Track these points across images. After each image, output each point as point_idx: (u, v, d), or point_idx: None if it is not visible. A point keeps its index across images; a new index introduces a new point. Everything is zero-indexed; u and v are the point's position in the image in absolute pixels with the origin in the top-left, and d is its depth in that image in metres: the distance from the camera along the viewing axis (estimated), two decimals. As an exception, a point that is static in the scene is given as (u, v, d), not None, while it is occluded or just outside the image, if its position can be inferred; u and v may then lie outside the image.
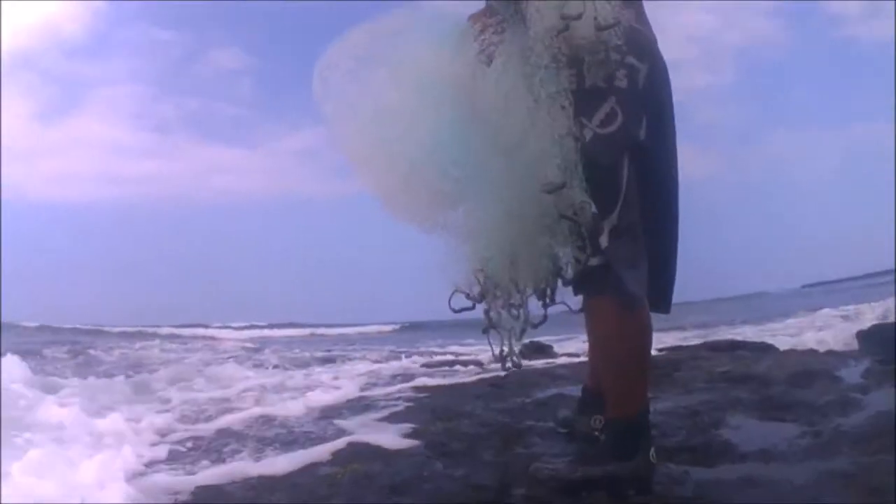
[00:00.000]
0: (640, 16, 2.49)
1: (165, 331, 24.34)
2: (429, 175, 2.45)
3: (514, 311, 2.48)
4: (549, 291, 2.47)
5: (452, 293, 2.48)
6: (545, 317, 2.49)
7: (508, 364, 2.50)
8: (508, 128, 2.28)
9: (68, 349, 12.76)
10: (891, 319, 7.52)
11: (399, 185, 2.51)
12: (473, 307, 2.49)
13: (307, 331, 28.73)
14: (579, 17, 2.19)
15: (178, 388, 5.95)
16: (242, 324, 31.30)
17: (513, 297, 2.48)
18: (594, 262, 2.28)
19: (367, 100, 2.61)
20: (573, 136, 2.23)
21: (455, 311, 2.50)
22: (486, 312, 2.47)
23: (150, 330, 24.60)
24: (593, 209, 2.24)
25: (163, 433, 3.83)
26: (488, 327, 2.48)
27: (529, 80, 2.25)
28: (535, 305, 2.49)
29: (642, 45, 2.38)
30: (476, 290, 2.46)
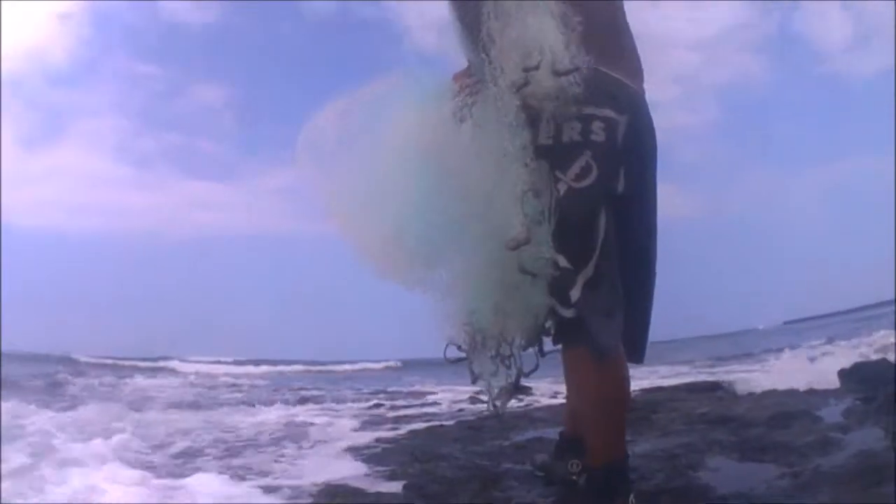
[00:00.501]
0: (630, 71, 2.50)
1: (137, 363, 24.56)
2: (406, 239, 2.51)
3: (506, 362, 2.53)
4: (537, 341, 2.52)
5: (446, 346, 2.54)
6: (537, 365, 2.54)
7: (491, 409, 2.58)
8: (476, 186, 2.33)
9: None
10: (872, 357, 7.51)
11: (378, 247, 2.57)
12: (466, 357, 2.54)
13: (285, 367, 28.61)
14: (538, 67, 2.20)
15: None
16: (210, 359, 31.08)
17: (502, 348, 2.52)
18: (567, 314, 2.29)
19: (348, 166, 2.68)
20: (534, 192, 2.24)
21: (451, 362, 2.56)
22: (470, 366, 2.54)
23: (123, 363, 24.79)
24: (564, 263, 2.26)
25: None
26: (473, 379, 2.54)
27: (497, 138, 2.28)
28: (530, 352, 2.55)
29: (622, 97, 2.39)
30: (466, 341, 2.51)
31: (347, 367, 29.73)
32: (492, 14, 2.27)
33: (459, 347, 2.54)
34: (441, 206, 2.47)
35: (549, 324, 2.45)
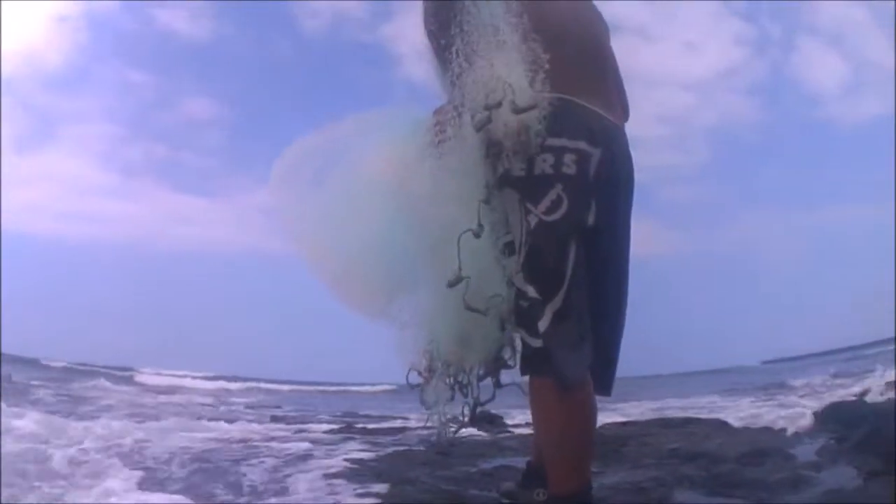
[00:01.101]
0: (609, 104, 2.51)
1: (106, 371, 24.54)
2: (367, 271, 2.59)
3: (464, 390, 2.59)
4: (496, 372, 2.57)
5: (408, 370, 2.61)
6: (493, 395, 2.60)
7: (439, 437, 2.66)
8: (436, 221, 2.39)
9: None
10: (848, 397, 7.52)
11: (342, 280, 2.65)
12: (428, 383, 2.58)
13: (266, 385, 28.54)
14: (500, 104, 2.22)
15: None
16: (181, 372, 30.96)
17: (460, 377, 2.58)
18: (534, 344, 2.30)
19: (318, 196, 2.74)
20: (473, 231, 2.28)
21: (412, 387, 2.62)
22: (422, 394, 2.59)
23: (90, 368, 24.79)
24: (533, 293, 2.28)
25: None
26: (426, 406, 2.59)
27: (458, 175, 2.34)
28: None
29: (597, 130, 2.39)
30: (425, 367, 2.56)
31: (334, 388, 29.69)
32: (461, 52, 2.30)
33: (419, 373, 2.58)
34: (402, 241, 2.53)
35: (508, 356, 2.51)
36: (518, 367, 2.47)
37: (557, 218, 2.29)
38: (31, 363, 24.60)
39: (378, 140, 2.67)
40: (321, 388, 29.55)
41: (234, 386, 26.44)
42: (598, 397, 2.47)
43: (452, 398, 2.60)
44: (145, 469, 4.31)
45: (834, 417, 5.37)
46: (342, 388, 29.63)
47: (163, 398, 14.04)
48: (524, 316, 2.32)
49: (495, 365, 2.58)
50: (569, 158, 2.30)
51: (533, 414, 2.51)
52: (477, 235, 2.28)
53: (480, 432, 6.21)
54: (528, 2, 2.34)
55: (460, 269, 2.25)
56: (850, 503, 2.71)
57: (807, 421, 5.81)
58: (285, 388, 28.78)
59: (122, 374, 25.87)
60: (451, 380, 2.59)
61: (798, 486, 3.19)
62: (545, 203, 2.29)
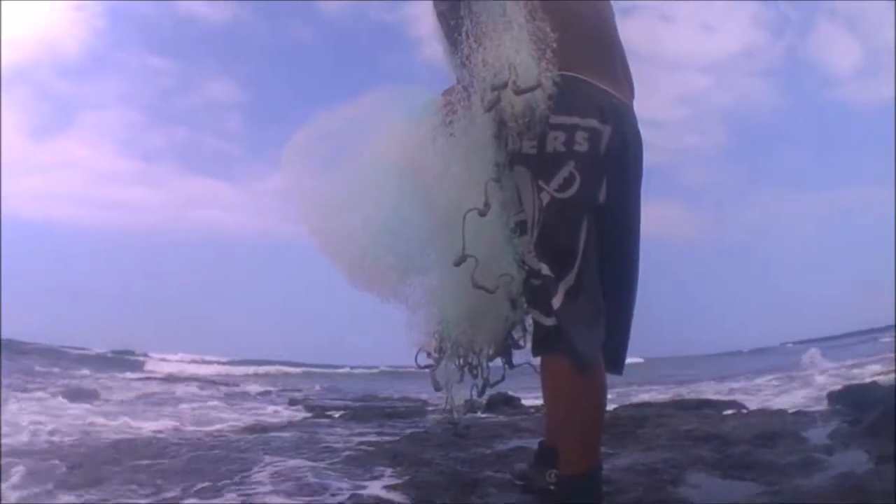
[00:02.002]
0: (617, 82, 2.52)
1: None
2: (378, 251, 2.58)
3: (474, 371, 2.63)
4: (506, 353, 2.63)
5: (417, 351, 2.64)
6: (503, 377, 2.66)
7: (449, 420, 2.64)
8: (447, 201, 2.40)
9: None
10: (862, 380, 7.50)
11: (353, 261, 2.65)
12: (437, 364, 2.61)
13: (281, 368, 28.60)
14: (506, 85, 2.24)
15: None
16: (196, 356, 31.09)
17: (470, 357, 2.61)
18: (547, 322, 2.32)
19: (329, 177, 2.78)
20: (479, 211, 2.29)
21: (420, 368, 2.64)
22: (432, 374, 2.61)
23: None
24: (546, 271, 2.29)
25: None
26: (436, 387, 2.61)
27: (469, 154, 2.36)
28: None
29: (606, 108, 2.40)
30: (435, 348, 2.59)
31: (348, 370, 29.73)
32: (469, 33, 2.33)
33: (429, 354, 2.60)
34: (414, 221, 2.57)
35: (518, 336, 2.56)
36: (530, 347, 2.49)
37: (570, 195, 2.31)
38: (56, 352, 24.64)
39: (389, 120, 2.70)
40: (337, 370, 29.54)
41: (251, 370, 26.50)
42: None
43: (461, 379, 2.63)
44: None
45: (847, 400, 5.38)
46: (356, 370, 29.68)
47: (181, 385, 14.06)
48: (537, 294, 2.34)
49: (505, 345, 2.62)
50: (580, 136, 2.32)
51: (544, 394, 2.54)
52: (482, 214, 2.29)
53: (495, 415, 6.24)
54: None
55: (464, 247, 2.27)
56: (861, 486, 2.71)
57: (820, 404, 5.82)
58: (302, 370, 28.83)
59: (138, 360, 25.93)
60: (461, 361, 2.63)
61: (809, 469, 3.20)
62: (557, 180, 2.31)
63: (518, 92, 2.24)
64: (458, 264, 2.29)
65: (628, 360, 2.67)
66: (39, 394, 8.98)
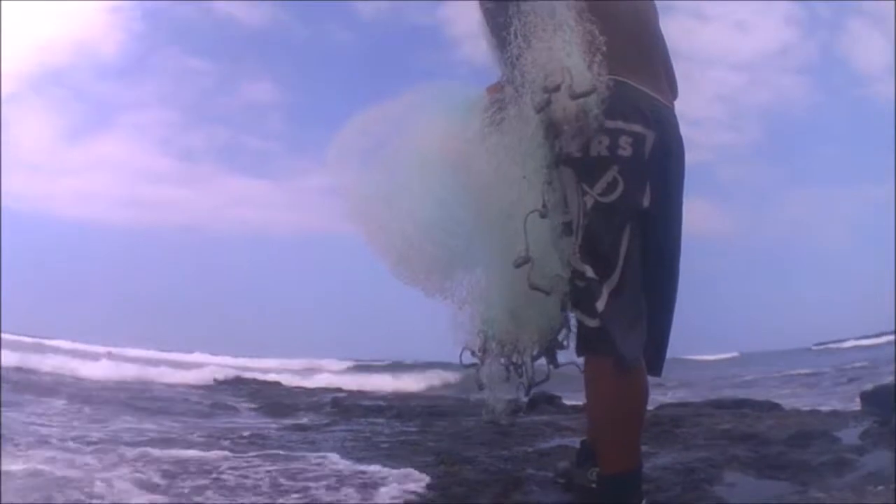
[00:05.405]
0: (659, 86, 2.56)
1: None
2: (426, 247, 2.60)
3: (518, 371, 2.63)
4: (550, 352, 2.62)
5: (462, 350, 2.64)
6: (548, 376, 2.64)
7: (488, 418, 2.65)
8: (496, 200, 2.42)
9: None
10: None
11: (400, 256, 2.67)
12: (482, 364, 2.63)
13: (318, 362, 28.48)
14: (558, 88, 2.26)
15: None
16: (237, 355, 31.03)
17: (514, 357, 2.62)
18: (591, 324, 2.35)
19: (375, 173, 2.79)
20: (541, 213, 2.32)
21: (465, 367, 2.67)
22: (477, 373, 2.64)
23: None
24: (590, 273, 2.32)
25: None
26: (480, 387, 2.64)
27: (519, 155, 2.37)
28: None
29: (650, 112, 2.43)
30: (479, 347, 2.62)
31: (388, 364, 29.57)
32: (518, 32, 2.34)
33: (473, 353, 2.63)
34: (461, 218, 2.58)
35: (562, 336, 2.57)
36: (574, 347, 2.51)
37: (613, 200, 2.33)
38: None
39: (431, 116, 2.71)
40: (379, 363, 29.42)
41: (294, 364, 26.42)
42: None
43: (508, 379, 2.65)
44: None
45: (878, 401, 5.37)
46: (399, 365, 29.61)
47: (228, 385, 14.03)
48: (581, 296, 2.36)
49: (550, 346, 2.63)
50: (624, 141, 2.33)
51: (587, 393, 2.56)
52: (543, 216, 2.32)
53: (537, 413, 6.25)
54: None
55: (527, 249, 2.30)
56: (888, 487, 2.77)
57: (854, 404, 5.84)
58: (345, 365, 28.77)
59: (184, 360, 25.85)
60: (506, 360, 2.65)
61: (840, 469, 3.25)
62: (601, 185, 2.33)
63: (574, 97, 2.25)
64: (518, 265, 2.32)
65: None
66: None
